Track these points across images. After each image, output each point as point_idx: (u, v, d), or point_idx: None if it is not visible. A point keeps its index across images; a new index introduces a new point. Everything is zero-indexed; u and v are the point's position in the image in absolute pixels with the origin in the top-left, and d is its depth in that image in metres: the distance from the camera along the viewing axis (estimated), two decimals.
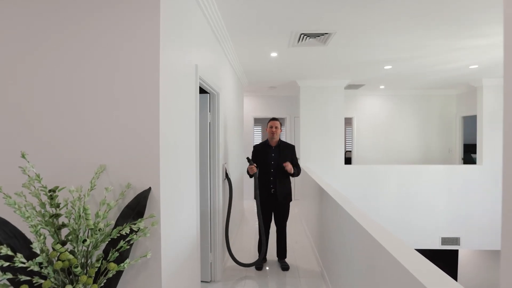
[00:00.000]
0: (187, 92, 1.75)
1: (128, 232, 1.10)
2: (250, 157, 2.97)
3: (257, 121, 6.98)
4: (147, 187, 1.25)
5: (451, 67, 4.09)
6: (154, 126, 1.26)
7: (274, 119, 2.97)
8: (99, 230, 1.08)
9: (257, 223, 3.19)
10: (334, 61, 3.75)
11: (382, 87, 5.85)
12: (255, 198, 2.94)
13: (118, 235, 1.10)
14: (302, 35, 2.78)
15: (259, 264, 2.95)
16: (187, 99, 1.74)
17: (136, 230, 1.12)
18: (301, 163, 5.08)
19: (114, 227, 1.14)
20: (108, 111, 1.27)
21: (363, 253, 1.62)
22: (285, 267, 2.95)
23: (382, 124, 6.43)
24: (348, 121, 6.41)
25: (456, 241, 5.11)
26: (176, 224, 1.51)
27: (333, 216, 2.41)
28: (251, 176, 2.89)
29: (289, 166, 2.77)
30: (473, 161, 6.81)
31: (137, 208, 1.20)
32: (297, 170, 2.91)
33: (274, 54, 3.43)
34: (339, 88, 5.12)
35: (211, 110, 2.67)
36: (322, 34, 2.75)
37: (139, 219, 1.14)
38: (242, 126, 5.18)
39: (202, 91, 2.59)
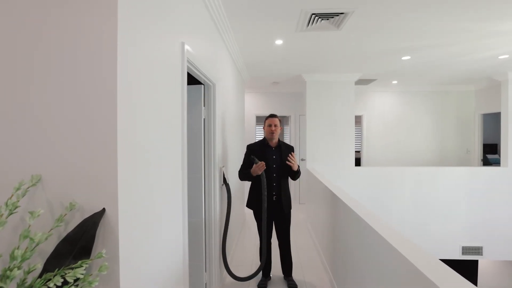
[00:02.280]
0: (170, 79, 1.34)
1: (60, 284, 0.69)
2: (244, 158, 2.55)
3: (260, 119, 6.56)
4: (99, 208, 0.85)
5: (478, 58, 3.65)
6: (110, 125, 0.86)
7: (272, 116, 2.53)
8: (11, 280, 0.68)
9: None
10: (347, 50, 3.32)
11: (395, 82, 5.41)
12: (248, 206, 2.55)
13: None
14: (313, 16, 2.36)
15: (263, 284, 2.54)
16: (169, 89, 1.34)
17: (75, 279, 0.72)
18: (307, 164, 4.66)
19: (41, 275, 0.74)
20: (45, 103, 0.87)
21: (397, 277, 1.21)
22: (292, 285, 2.54)
23: (394, 122, 5.99)
24: (357, 120, 5.97)
25: (478, 250, 4.66)
26: (150, 255, 1.10)
27: (351, 229, 1.99)
28: (254, 178, 2.44)
29: (294, 160, 2.38)
30: (489, 163, 6.37)
31: (80, 241, 0.79)
32: (298, 169, 2.52)
33: (279, 42, 3.01)
34: (349, 83, 4.69)
35: (206, 104, 2.27)
36: (337, 14, 2.34)
37: (81, 261, 0.74)
38: (243, 125, 4.77)
39: (195, 81, 2.19)
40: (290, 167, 2.45)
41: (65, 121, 0.86)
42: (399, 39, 2.94)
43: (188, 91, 2.19)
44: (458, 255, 4.69)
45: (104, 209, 0.85)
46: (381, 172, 4.83)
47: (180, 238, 1.49)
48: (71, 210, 0.84)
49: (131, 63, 0.96)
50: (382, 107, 5.99)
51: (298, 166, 2.49)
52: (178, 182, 1.45)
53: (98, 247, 0.84)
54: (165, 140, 1.28)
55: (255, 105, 5.99)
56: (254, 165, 2.36)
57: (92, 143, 0.86)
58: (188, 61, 1.64)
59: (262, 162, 2.34)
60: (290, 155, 2.38)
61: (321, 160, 4.71)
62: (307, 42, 3.04)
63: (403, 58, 3.65)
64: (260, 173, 2.35)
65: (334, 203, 2.54)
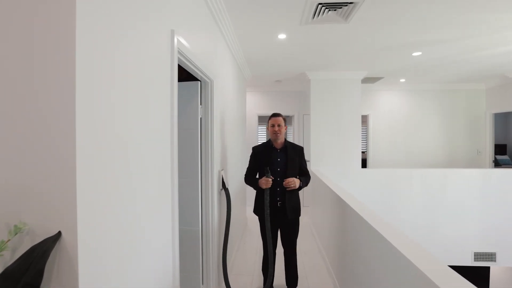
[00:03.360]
0: (157, 73, 1.16)
1: None
2: (249, 161, 2.36)
3: (262, 119, 6.37)
4: (54, 232, 0.66)
5: (492, 53, 3.43)
6: (67, 126, 0.67)
7: (275, 115, 2.30)
8: None
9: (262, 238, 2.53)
10: (354, 45, 3.12)
11: (402, 80, 5.19)
12: (254, 212, 2.34)
13: None
14: (320, 6, 2.17)
15: None
16: (156, 84, 1.15)
17: None
18: (312, 166, 4.46)
19: None
20: None
21: None
22: None
23: (400, 122, 5.76)
24: (363, 119, 5.76)
25: (491, 256, 4.44)
26: (128, 279, 0.91)
27: (361, 237, 1.79)
28: (260, 189, 2.24)
29: (292, 183, 2.15)
30: (498, 164, 6.13)
31: (25, 277, 0.60)
32: (306, 180, 2.30)
33: (282, 36, 2.82)
34: (356, 81, 4.48)
35: (203, 102, 2.08)
36: (346, 4, 2.14)
37: None
38: (244, 125, 4.58)
39: (191, 78, 2.00)
40: (296, 172, 2.26)
41: (9, 119, 0.68)
42: (410, 32, 2.74)
43: (183, 88, 2.00)
44: (470, 262, 4.47)
45: (59, 232, 0.66)
46: (389, 174, 4.62)
47: (169, 252, 1.30)
48: (17, 234, 0.65)
49: (99, 54, 0.77)
50: (389, 107, 5.77)
51: (304, 177, 2.28)
52: (166, 189, 1.26)
53: (52, 283, 0.65)
54: (151, 143, 1.10)
55: (257, 105, 5.80)
56: (264, 178, 2.16)
57: (43, 148, 0.67)
58: (181, 54, 1.45)
59: (270, 180, 2.14)
60: (285, 184, 2.16)
61: (326, 161, 4.50)
62: (312, 37, 2.85)
63: (414, 54, 3.44)
64: (264, 187, 2.15)
65: (342, 208, 2.34)
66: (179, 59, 1.49)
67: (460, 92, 5.68)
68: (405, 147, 5.76)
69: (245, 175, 2.37)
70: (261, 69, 4.17)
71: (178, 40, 1.36)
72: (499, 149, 6.73)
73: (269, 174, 2.14)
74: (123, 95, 0.90)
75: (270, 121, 2.31)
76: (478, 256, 4.43)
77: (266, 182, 2.14)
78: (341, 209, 2.36)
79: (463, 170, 4.59)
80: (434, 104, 5.72)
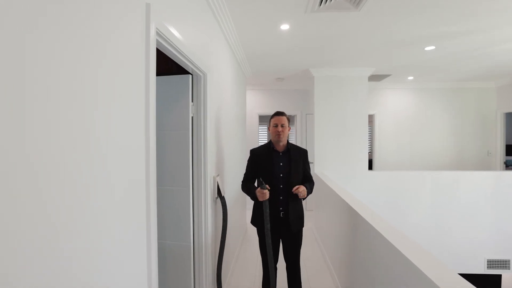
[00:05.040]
0: (126, 61, 0.90)
1: None
2: (247, 166, 2.11)
3: (263, 119, 6.11)
4: None
5: (508, 48, 3.17)
6: None
7: (279, 113, 2.02)
8: None
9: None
10: (364, 38, 2.86)
11: (410, 78, 4.93)
12: (252, 223, 2.09)
13: None
14: None
15: None
16: (125, 75, 0.89)
17: None
18: (315, 169, 4.20)
19: None
20: None
21: None
22: None
23: (407, 122, 5.50)
24: (368, 119, 5.50)
25: (505, 264, 4.18)
26: None
27: (372, 247, 1.54)
28: (257, 200, 1.97)
29: (303, 191, 1.89)
30: (508, 165, 5.88)
31: None
32: (311, 187, 2.04)
33: (285, 27, 2.56)
34: (363, 79, 4.22)
35: (194, 98, 1.83)
36: None
37: None
38: (244, 125, 4.32)
39: (181, 72, 1.75)
40: (300, 178, 2.01)
41: None
42: (426, 23, 2.48)
43: (170, 83, 1.75)
44: (482, 269, 4.22)
45: None
46: (397, 177, 4.36)
47: (143, 277, 1.05)
48: None
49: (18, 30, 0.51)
50: (395, 106, 5.51)
51: (309, 184, 2.01)
52: (140, 201, 1.01)
53: None
54: (118, 148, 0.84)
55: (258, 104, 5.54)
56: (258, 190, 1.88)
57: None
58: (164, 38, 1.20)
59: (267, 191, 1.86)
60: (295, 189, 1.90)
61: (330, 163, 4.25)
62: (318, 28, 2.59)
63: (427, 48, 3.18)
64: (262, 199, 1.88)
65: (351, 217, 2.08)
66: (162, 46, 1.24)
67: (469, 90, 5.42)
68: (412, 148, 5.51)
69: (242, 181, 2.11)
70: (262, 65, 3.91)
71: (157, 20, 1.10)
72: (509, 150, 6.48)
73: (264, 185, 1.85)
74: (75, 91, 0.64)
75: (272, 120, 2.04)
76: (491, 263, 4.18)
77: (262, 194, 1.85)
78: (351, 217, 2.11)
79: (475, 172, 4.34)
80: (442, 103, 5.45)
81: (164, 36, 1.17)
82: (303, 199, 2.00)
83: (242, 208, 3.83)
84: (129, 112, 0.93)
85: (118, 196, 0.86)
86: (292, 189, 1.92)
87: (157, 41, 1.17)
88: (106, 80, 0.79)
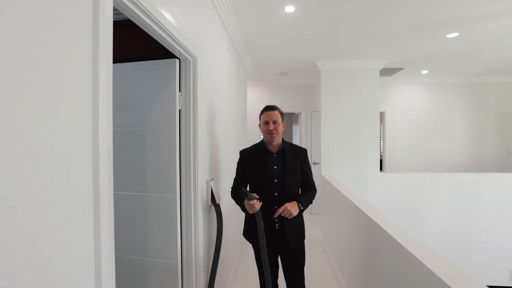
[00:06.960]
0: (54, 30, 0.60)
1: None
2: (236, 170, 1.80)
3: None
4: None
5: None
6: None
7: (269, 108, 1.72)
8: None
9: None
10: (377, 22, 2.54)
11: (424, 72, 4.58)
12: (244, 235, 1.79)
13: None
14: None
15: None
16: (56, 55, 0.59)
17: None
18: (322, 170, 3.88)
19: None
20: None
21: None
22: None
23: (421, 120, 5.15)
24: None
25: None
26: None
27: (391, 260, 1.23)
28: (247, 212, 1.68)
29: (286, 212, 1.58)
30: None
31: None
32: (310, 197, 1.71)
33: (290, 9, 2.25)
34: (374, 72, 3.89)
35: (182, 88, 1.53)
36: None
37: None
38: (245, 123, 4.02)
39: (168, 54, 1.45)
40: (298, 182, 1.72)
41: None
42: (450, 3, 2.14)
43: (152, 69, 1.45)
44: (507, 281, 3.86)
45: None
46: (411, 179, 4.02)
47: None
48: None
49: None
50: (407, 102, 5.16)
51: (300, 201, 1.65)
52: (87, 214, 0.71)
53: None
54: (52, 152, 0.55)
55: (260, 100, 5.23)
56: (246, 202, 1.57)
57: None
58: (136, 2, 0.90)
59: (256, 201, 1.54)
60: (278, 213, 1.59)
61: (338, 164, 3.92)
62: (329, 10, 2.27)
63: (449, 35, 2.84)
64: (252, 212, 1.57)
65: (367, 226, 1.77)
66: (129, 11, 0.93)
67: (488, 85, 5.04)
68: (425, 148, 5.15)
69: (232, 188, 1.81)
70: (264, 57, 3.60)
71: None
72: None
73: (250, 195, 1.53)
74: None
75: (262, 116, 1.72)
76: None
77: (250, 206, 1.55)
78: (366, 227, 1.79)
79: (497, 174, 3.97)
80: (459, 99, 5.09)
81: (143, 5, 0.87)
82: (300, 213, 1.67)
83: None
84: (69, 105, 0.63)
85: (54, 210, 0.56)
86: (287, 196, 1.63)
87: (122, 3, 0.87)
88: (28, 61, 0.50)
